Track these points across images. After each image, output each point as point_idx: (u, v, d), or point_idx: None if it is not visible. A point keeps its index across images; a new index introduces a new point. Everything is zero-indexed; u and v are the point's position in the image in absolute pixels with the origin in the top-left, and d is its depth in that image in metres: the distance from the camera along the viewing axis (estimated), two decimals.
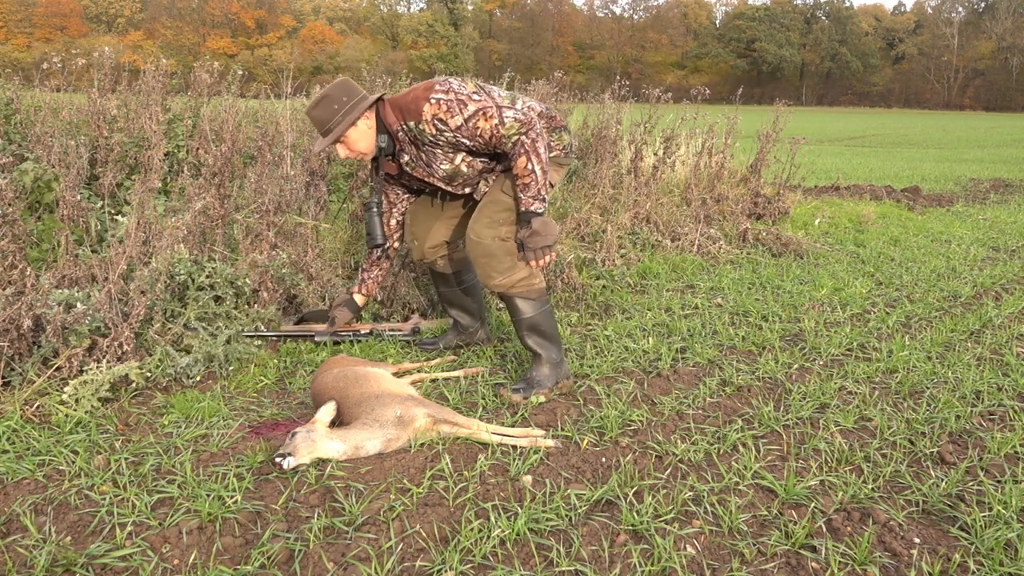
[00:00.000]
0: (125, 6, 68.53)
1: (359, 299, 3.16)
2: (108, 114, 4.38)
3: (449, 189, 2.80)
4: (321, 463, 2.14)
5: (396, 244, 3.08)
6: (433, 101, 2.51)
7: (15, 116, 4.40)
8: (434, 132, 2.56)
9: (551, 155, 2.70)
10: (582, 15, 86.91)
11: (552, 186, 2.76)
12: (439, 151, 2.64)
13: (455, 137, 2.56)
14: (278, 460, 2.05)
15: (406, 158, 2.72)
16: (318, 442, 2.14)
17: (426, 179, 2.76)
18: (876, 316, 3.86)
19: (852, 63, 78.68)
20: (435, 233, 3.01)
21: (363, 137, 2.65)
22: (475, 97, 2.53)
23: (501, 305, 3.79)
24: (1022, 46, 73.35)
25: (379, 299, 3.69)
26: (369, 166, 2.87)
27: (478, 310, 3.21)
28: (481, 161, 2.70)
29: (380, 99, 2.66)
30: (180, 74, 5.37)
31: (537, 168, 2.51)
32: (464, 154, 2.66)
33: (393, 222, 3.01)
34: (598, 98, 6.38)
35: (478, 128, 2.51)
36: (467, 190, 2.81)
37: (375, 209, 2.90)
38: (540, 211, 2.56)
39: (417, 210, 3.04)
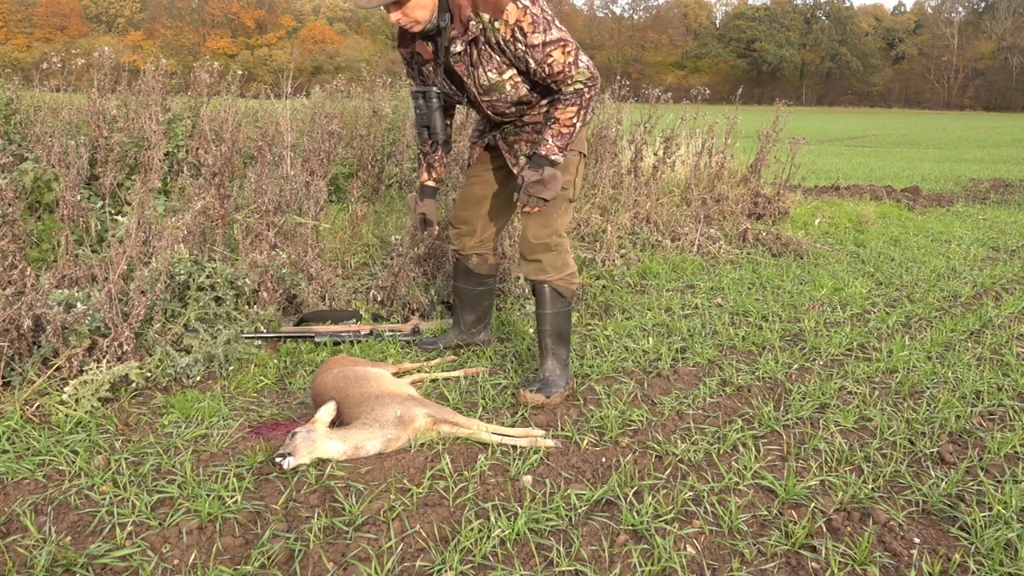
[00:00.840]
0: (125, 6, 68.58)
1: (432, 184, 2.92)
2: (108, 114, 4.39)
3: (476, 99, 2.60)
4: (321, 463, 2.14)
5: (449, 127, 2.89)
6: (520, 5, 2.30)
7: (15, 116, 4.41)
8: (508, 38, 2.34)
9: None
10: (582, 15, 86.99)
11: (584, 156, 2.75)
12: (496, 58, 2.43)
13: (525, 53, 2.36)
14: (278, 460, 2.05)
15: (459, 47, 2.44)
16: (318, 442, 2.14)
17: (463, 78, 2.52)
18: (876, 316, 3.86)
19: (852, 63, 78.73)
20: (481, 227, 2.97)
21: (425, 5, 2.35)
22: (558, 24, 2.40)
23: (502, 305, 3.79)
24: (1022, 46, 73.35)
25: (379, 299, 3.70)
26: (413, 50, 2.58)
27: (486, 312, 3.21)
28: (526, 87, 2.54)
29: None
30: (180, 74, 5.38)
31: (578, 124, 2.48)
32: (515, 72, 2.47)
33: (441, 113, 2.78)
34: (598, 98, 6.38)
35: (551, 57, 2.35)
36: (490, 112, 2.65)
37: (435, 101, 2.63)
38: (557, 163, 2.52)
39: (462, 201, 2.98)
